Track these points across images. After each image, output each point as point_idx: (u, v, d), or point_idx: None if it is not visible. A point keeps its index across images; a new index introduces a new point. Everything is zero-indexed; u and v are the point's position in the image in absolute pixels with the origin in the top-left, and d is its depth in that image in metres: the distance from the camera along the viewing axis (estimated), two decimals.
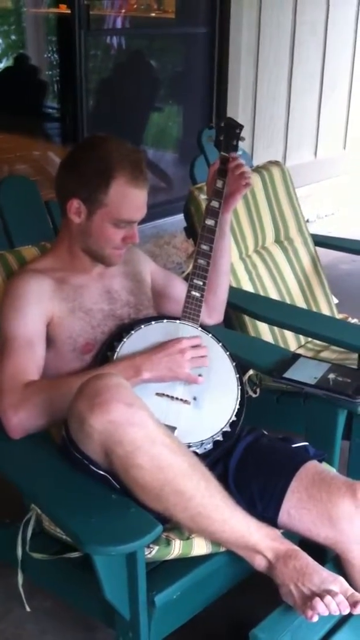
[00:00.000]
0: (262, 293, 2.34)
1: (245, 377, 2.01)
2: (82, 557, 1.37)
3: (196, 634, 1.63)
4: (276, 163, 2.58)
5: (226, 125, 1.80)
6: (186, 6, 4.32)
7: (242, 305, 2.15)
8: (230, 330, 2.13)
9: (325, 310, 2.54)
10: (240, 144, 1.82)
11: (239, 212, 2.34)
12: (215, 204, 1.73)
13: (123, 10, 4.39)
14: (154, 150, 4.46)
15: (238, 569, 1.46)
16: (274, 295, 2.39)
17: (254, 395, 2.05)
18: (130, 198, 1.54)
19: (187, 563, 1.40)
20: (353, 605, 1.25)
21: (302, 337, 2.38)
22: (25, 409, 1.43)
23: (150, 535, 1.21)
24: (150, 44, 4.33)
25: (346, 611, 1.25)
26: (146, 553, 1.34)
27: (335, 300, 2.63)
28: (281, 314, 2.13)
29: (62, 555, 1.46)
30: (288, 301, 2.43)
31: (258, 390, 2.09)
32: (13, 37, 5.26)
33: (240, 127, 1.81)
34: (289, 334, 2.34)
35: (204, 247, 1.70)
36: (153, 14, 4.70)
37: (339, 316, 2.55)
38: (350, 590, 1.28)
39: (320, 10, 4.46)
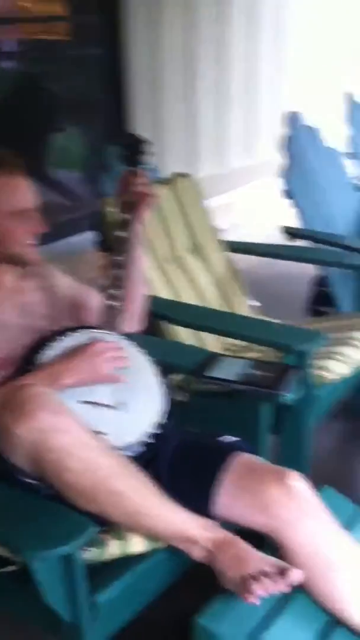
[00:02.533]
0: (180, 300, 2.40)
1: (170, 382, 2.05)
2: (22, 569, 1.37)
3: (143, 631, 1.65)
4: (184, 175, 2.65)
5: (131, 141, 1.85)
6: (80, 28, 4.37)
7: (160, 312, 2.20)
8: (151, 336, 2.16)
9: (244, 313, 2.61)
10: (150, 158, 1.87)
11: (150, 223, 2.39)
12: (126, 216, 1.77)
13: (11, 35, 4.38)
14: (60, 170, 4.48)
15: (178, 563, 1.49)
16: (192, 301, 2.45)
17: (184, 400, 2.09)
18: (10, 188, 1.59)
19: (126, 561, 1.42)
20: (282, 575, 1.30)
21: (222, 340, 2.44)
22: None
23: (82, 536, 1.24)
24: (45, 66, 4.36)
25: (282, 587, 1.30)
26: (84, 555, 1.35)
27: (257, 304, 2.71)
28: (198, 317, 2.19)
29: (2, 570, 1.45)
30: (206, 306, 2.48)
31: (187, 394, 2.13)
32: None
33: (145, 142, 1.86)
34: (210, 338, 2.40)
35: (118, 258, 1.74)
36: (46, 37, 4.71)
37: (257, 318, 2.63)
38: (283, 565, 1.33)
39: (214, 25, 4.61)
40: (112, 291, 1.71)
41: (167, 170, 2.76)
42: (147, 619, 1.52)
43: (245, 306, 2.63)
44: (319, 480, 1.72)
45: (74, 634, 1.37)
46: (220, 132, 4.91)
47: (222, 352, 2.25)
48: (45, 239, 1.69)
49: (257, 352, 2.36)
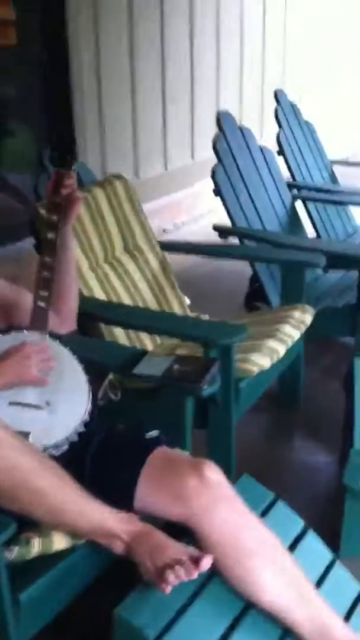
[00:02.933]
0: (115, 300, 2.44)
1: (106, 382, 2.10)
2: None
3: (67, 626, 1.70)
4: (118, 176, 2.68)
5: (60, 142, 1.88)
6: (26, 31, 4.37)
7: (95, 313, 2.24)
8: (81, 336, 2.20)
9: (178, 310, 2.67)
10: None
11: (85, 225, 2.43)
12: (54, 218, 1.80)
13: None
14: (10, 172, 4.47)
15: (100, 559, 1.52)
16: (126, 301, 2.49)
17: (115, 398, 2.13)
18: None
19: (49, 559, 1.45)
20: (195, 563, 1.36)
21: (157, 338, 2.50)
22: None
23: (3, 534, 1.27)
24: None
25: (194, 574, 1.35)
26: (7, 555, 1.38)
27: (187, 301, 2.77)
28: (129, 316, 2.25)
29: None
30: (141, 305, 2.54)
31: (119, 392, 2.18)
32: None
33: (74, 142, 1.90)
34: (144, 336, 2.45)
35: (47, 259, 1.77)
36: None
37: (191, 315, 2.69)
38: (195, 553, 1.38)
39: (155, 24, 4.66)
40: (41, 292, 1.74)
41: (112, 171, 2.80)
42: (71, 615, 1.56)
43: (179, 304, 2.68)
44: (245, 471, 1.79)
45: None
46: (163, 132, 4.95)
47: (153, 350, 2.31)
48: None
49: (187, 349, 2.42)
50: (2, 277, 1.94)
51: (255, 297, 3.41)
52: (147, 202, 4.70)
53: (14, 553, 1.40)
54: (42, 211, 2.21)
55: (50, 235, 1.78)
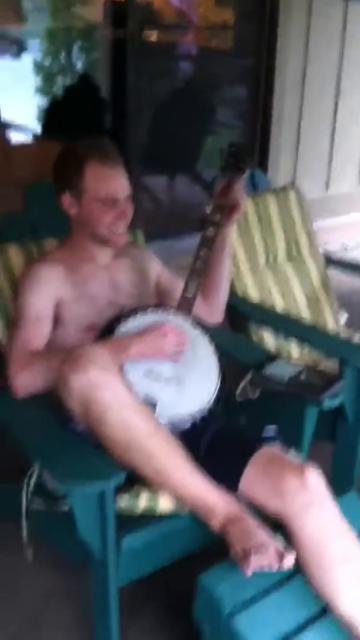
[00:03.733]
0: (268, 303, 2.54)
1: (247, 379, 2.21)
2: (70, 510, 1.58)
3: (159, 586, 1.87)
4: (293, 187, 2.78)
5: (235, 150, 2.01)
6: (241, 38, 4.58)
7: (247, 312, 2.37)
8: (224, 329, 2.31)
9: (332, 325, 2.71)
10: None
11: (252, 227, 2.56)
12: (216, 217, 1.93)
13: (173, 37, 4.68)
14: (207, 170, 4.70)
15: (201, 534, 1.63)
16: (280, 306, 2.58)
17: (252, 397, 2.24)
18: (103, 177, 1.79)
19: (152, 519, 1.60)
20: (280, 558, 1.44)
21: (306, 349, 2.55)
22: (28, 372, 1.68)
23: (114, 478, 1.44)
24: (210, 72, 4.61)
25: (274, 567, 1.43)
26: (117, 501, 1.56)
27: (344, 319, 2.80)
28: (278, 322, 2.34)
29: (55, 507, 1.69)
30: (294, 313, 2.61)
31: (257, 392, 2.28)
32: (87, 56, 5.65)
33: (245, 153, 2.01)
34: (292, 345, 2.52)
35: (202, 253, 1.91)
36: (213, 45, 4.99)
37: (345, 331, 2.72)
38: (282, 548, 1.46)
39: None
40: (191, 282, 1.90)
41: (302, 182, 2.89)
42: (166, 576, 1.70)
43: (333, 319, 2.73)
44: None
45: (101, 570, 1.58)
46: (356, 151, 4.94)
47: (287, 357, 2.38)
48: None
49: (328, 365, 2.46)
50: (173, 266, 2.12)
51: None
52: (333, 216, 4.77)
53: (123, 501, 1.57)
54: (208, 209, 2.36)
55: (209, 232, 1.92)
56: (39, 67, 5.51)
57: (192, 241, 1.96)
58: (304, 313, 2.67)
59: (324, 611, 1.52)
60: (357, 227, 5.07)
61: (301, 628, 1.47)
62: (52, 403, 1.66)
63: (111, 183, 1.80)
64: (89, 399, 1.49)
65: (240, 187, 1.94)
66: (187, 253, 1.93)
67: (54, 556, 1.97)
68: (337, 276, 2.91)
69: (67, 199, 1.82)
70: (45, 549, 1.88)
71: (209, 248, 1.91)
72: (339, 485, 2.01)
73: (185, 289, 1.88)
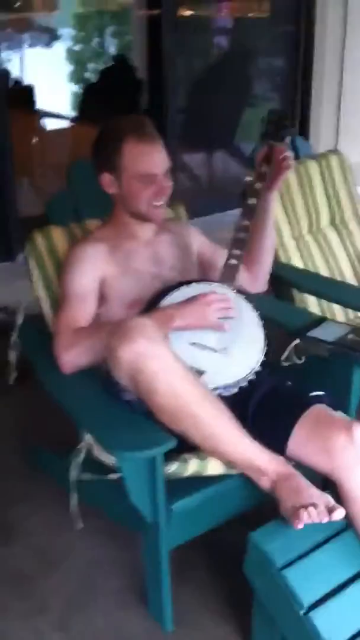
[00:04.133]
0: (312, 270, 2.55)
1: (292, 345, 2.23)
2: (120, 478, 1.64)
3: (211, 551, 1.92)
4: (335, 152, 2.77)
5: (276, 117, 2.01)
6: (279, 7, 4.52)
7: (290, 279, 2.38)
8: (269, 297, 2.33)
9: None
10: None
11: (293, 194, 2.56)
12: (258, 185, 1.94)
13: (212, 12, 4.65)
14: (248, 142, 4.70)
15: (250, 494, 1.68)
16: (324, 273, 2.58)
17: (299, 362, 2.26)
18: (142, 154, 1.81)
19: (203, 480, 1.65)
20: (330, 511, 1.47)
21: (351, 313, 2.56)
22: (74, 349, 1.73)
23: (164, 446, 1.49)
24: (250, 43, 4.58)
25: (325, 519, 1.46)
26: (167, 468, 1.60)
27: None
28: (323, 286, 2.34)
29: (106, 476, 1.75)
30: (339, 279, 2.61)
31: (304, 358, 2.30)
32: (120, 38, 5.68)
33: (289, 119, 2.01)
34: (337, 309, 2.53)
35: (245, 222, 1.92)
36: (252, 15, 4.95)
37: None
38: (332, 503, 1.49)
39: None
40: (234, 251, 1.92)
41: (342, 150, 2.86)
42: (218, 535, 1.75)
43: None
44: None
45: (153, 533, 1.64)
46: None
47: (333, 319, 2.37)
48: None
49: None
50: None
51: None
52: None
53: (173, 468, 1.62)
54: (249, 178, 2.37)
55: (251, 201, 1.94)
56: (71, 54, 5.56)
57: (233, 215, 1.97)
58: (349, 278, 2.66)
59: None
60: None
61: (352, 580, 1.50)
62: (100, 376, 1.72)
63: (149, 159, 1.82)
64: (137, 369, 1.53)
65: (281, 153, 1.94)
66: (229, 227, 1.95)
67: (106, 524, 2.04)
68: None
69: (106, 178, 1.86)
70: (97, 518, 1.96)
71: (251, 217, 1.93)
72: None
73: (228, 258, 1.91)
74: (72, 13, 5.51)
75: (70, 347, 1.73)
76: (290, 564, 1.48)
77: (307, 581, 1.45)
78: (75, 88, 5.43)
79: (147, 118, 1.90)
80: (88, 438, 1.75)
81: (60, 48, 5.45)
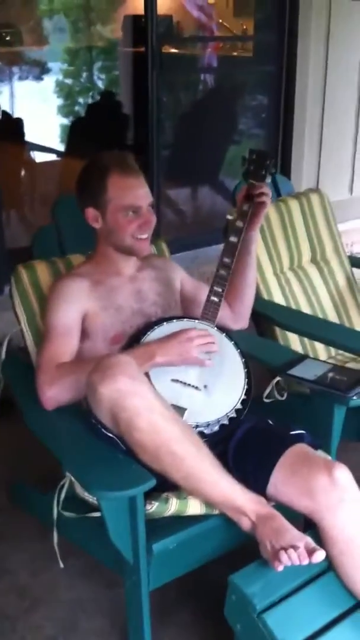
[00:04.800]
0: (294, 307, 2.56)
1: (274, 382, 2.23)
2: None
3: (193, 592, 1.90)
4: (316, 190, 2.81)
5: (256, 157, 2.04)
6: (261, 47, 4.61)
7: (272, 316, 2.39)
8: (250, 334, 2.33)
9: (358, 326, 2.72)
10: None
11: (275, 231, 2.58)
12: (239, 223, 1.97)
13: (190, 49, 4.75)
14: (230, 178, 4.75)
15: (231, 534, 1.67)
16: (306, 310, 2.60)
17: (280, 399, 2.27)
18: (126, 187, 1.84)
19: (183, 520, 1.64)
20: (310, 554, 1.46)
21: (332, 350, 2.57)
22: (57, 385, 1.72)
23: (144, 485, 1.47)
24: (233, 80, 4.67)
25: (305, 561, 1.46)
26: (147, 508, 1.59)
27: None
28: (303, 323, 2.35)
29: (88, 514, 1.73)
30: (320, 316, 2.63)
31: (285, 394, 2.30)
32: (108, 73, 5.78)
33: (270, 158, 2.04)
34: (319, 346, 2.55)
35: (226, 259, 1.95)
36: (231, 54, 5.05)
37: None
38: (312, 545, 1.48)
39: None
40: (216, 288, 1.93)
41: (323, 189, 2.90)
42: (199, 583, 1.72)
43: None
44: None
45: (134, 575, 1.62)
46: None
47: (330, 359, 2.38)
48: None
49: (358, 363, 2.46)
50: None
51: None
52: (358, 217, 4.77)
53: (153, 507, 1.60)
54: (230, 217, 2.40)
55: (232, 239, 1.95)
56: (61, 87, 5.64)
57: (216, 250, 1.99)
58: (330, 315, 2.68)
59: (356, 606, 1.53)
60: None
61: (333, 623, 1.49)
62: (81, 413, 1.71)
63: (134, 192, 1.85)
64: (118, 406, 1.53)
65: (261, 192, 1.96)
66: (212, 262, 1.97)
67: (89, 562, 2.02)
68: None
69: (91, 213, 1.87)
70: (80, 556, 1.93)
71: (233, 254, 1.94)
72: None
73: (209, 295, 1.92)
74: (63, 48, 5.60)
75: (52, 383, 1.73)
76: (270, 607, 1.46)
77: (287, 625, 1.44)
78: (64, 121, 5.48)
79: (130, 153, 1.94)
80: (70, 475, 1.74)
81: (49, 81, 5.52)
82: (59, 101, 5.62)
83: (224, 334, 1.93)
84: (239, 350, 1.91)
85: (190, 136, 4.49)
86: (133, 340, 1.84)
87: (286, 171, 4.37)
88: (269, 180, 2.04)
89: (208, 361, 1.79)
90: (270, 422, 1.86)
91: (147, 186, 1.89)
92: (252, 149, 2.03)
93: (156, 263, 2.05)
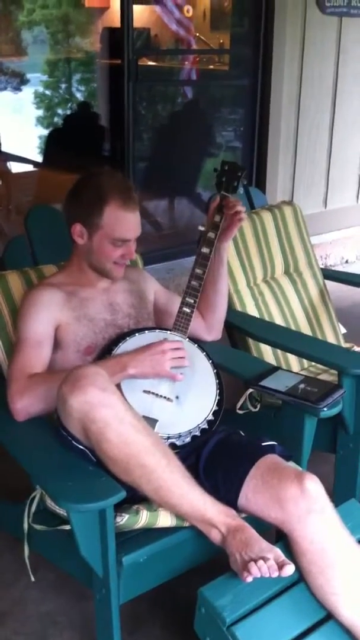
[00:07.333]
0: (267, 319, 2.57)
1: (247, 393, 2.24)
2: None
3: (163, 605, 1.88)
4: (289, 202, 2.83)
5: (229, 169, 2.05)
6: (238, 60, 4.66)
7: (244, 328, 2.40)
8: (222, 345, 2.34)
9: (331, 339, 2.74)
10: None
11: (249, 243, 2.60)
12: (211, 235, 1.98)
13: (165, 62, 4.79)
14: (208, 191, 4.78)
15: (202, 547, 1.66)
16: (279, 322, 2.61)
17: (253, 410, 2.27)
18: (121, 220, 1.83)
19: (154, 533, 1.63)
20: (280, 567, 1.46)
21: (305, 361, 2.59)
22: (28, 395, 1.71)
23: (113, 497, 1.46)
24: (200, 94, 4.71)
25: (275, 574, 1.45)
26: (117, 520, 1.58)
27: (342, 330, 2.83)
28: (275, 335, 2.36)
29: (58, 527, 1.71)
30: (293, 328, 2.64)
31: (258, 405, 2.31)
32: (86, 85, 5.80)
33: (242, 170, 2.06)
34: (291, 358, 2.56)
35: (198, 270, 1.96)
36: (208, 68, 5.10)
37: (345, 345, 2.74)
38: (282, 557, 1.48)
39: None
40: (187, 299, 1.94)
41: (297, 200, 2.91)
42: (169, 590, 1.71)
43: (332, 332, 2.75)
44: None
45: (104, 588, 1.60)
46: (355, 166, 4.98)
47: (302, 371, 2.39)
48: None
49: (333, 375, 2.48)
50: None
51: None
52: (333, 230, 4.82)
53: (123, 520, 1.59)
54: (202, 228, 2.41)
55: (204, 250, 1.97)
56: (39, 98, 5.65)
57: (192, 262, 2.00)
58: (303, 327, 2.69)
59: (327, 618, 1.54)
60: (357, 241, 5.11)
61: (304, 635, 1.48)
62: (52, 424, 1.70)
63: (127, 226, 1.85)
64: (88, 418, 1.52)
65: (233, 206, 1.98)
66: (188, 274, 1.98)
67: (59, 575, 2.00)
68: (337, 290, 2.94)
69: (78, 228, 1.87)
70: (51, 568, 1.91)
71: (205, 265, 1.95)
72: (341, 496, 2.03)
73: (181, 306, 1.93)
74: (44, 59, 5.62)
75: (24, 394, 1.72)
76: (240, 619, 1.46)
77: (257, 638, 1.44)
78: (42, 132, 5.50)
79: (130, 183, 1.94)
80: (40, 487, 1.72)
81: (28, 93, 5.53)
82: (37, 112, 5.64)
83: (196, 345, 1.93)
84: (210, 362, 1.91)
85: (167, 148, 4.52)
86: (105, 352, 1.84)
87: (261, 184, 4.40)
88: (241, 191, 2.06)
89: (179, 375, 1.79)
90: (242, 433, 1.86)
91: (139, 219, 1.89)
92: (224, 161, 2.04)
93: (130, 275, 2.05)
